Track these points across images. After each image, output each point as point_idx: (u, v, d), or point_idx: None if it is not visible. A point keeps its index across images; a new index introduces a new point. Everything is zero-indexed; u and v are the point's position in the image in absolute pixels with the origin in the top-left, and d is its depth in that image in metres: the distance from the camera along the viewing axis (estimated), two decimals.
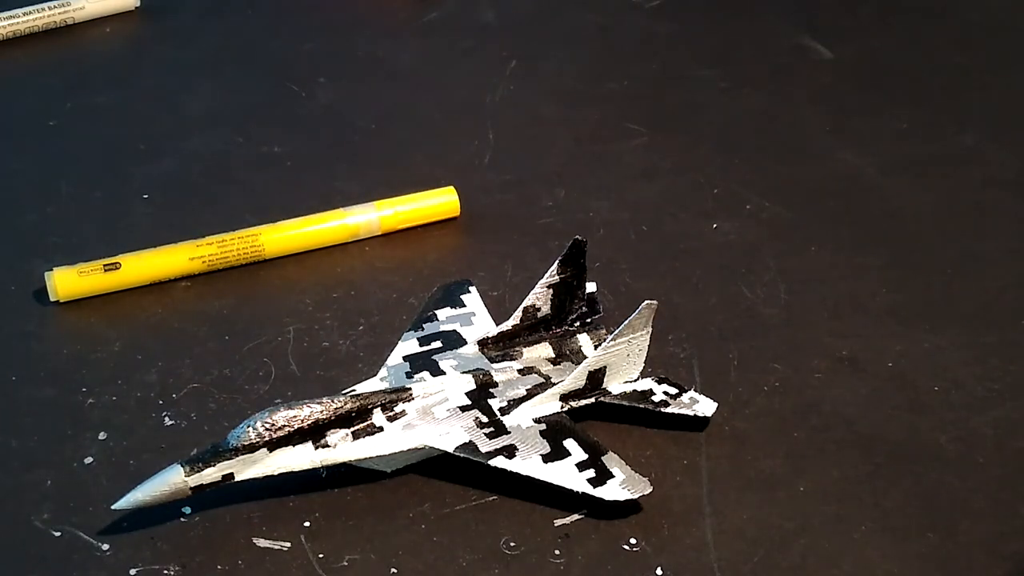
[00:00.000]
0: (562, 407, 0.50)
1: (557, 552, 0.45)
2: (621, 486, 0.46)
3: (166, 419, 0.52)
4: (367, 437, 0.47)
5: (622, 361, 0.51)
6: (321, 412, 0.46)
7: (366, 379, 0.52)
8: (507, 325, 0.53)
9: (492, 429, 0.48)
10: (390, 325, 0.57)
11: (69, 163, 0.72)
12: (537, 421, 0.49)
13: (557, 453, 0.47)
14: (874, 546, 0.45)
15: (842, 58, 0.84)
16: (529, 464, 0.47)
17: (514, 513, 0.47)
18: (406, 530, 0.46)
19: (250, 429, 0.45)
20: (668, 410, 0.50)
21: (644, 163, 0.72)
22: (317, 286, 0.60)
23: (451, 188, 0.66)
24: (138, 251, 0.61)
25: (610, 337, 0.49)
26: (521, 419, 0.49)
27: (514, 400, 0.50)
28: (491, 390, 0.50)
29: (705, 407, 0.51)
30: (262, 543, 0.46)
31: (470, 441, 0.48)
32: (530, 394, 0.50)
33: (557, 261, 0.53)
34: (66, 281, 0.59)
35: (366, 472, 0.48)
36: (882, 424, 0.51)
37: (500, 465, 0.47)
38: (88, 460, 0.49)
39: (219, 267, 0.62)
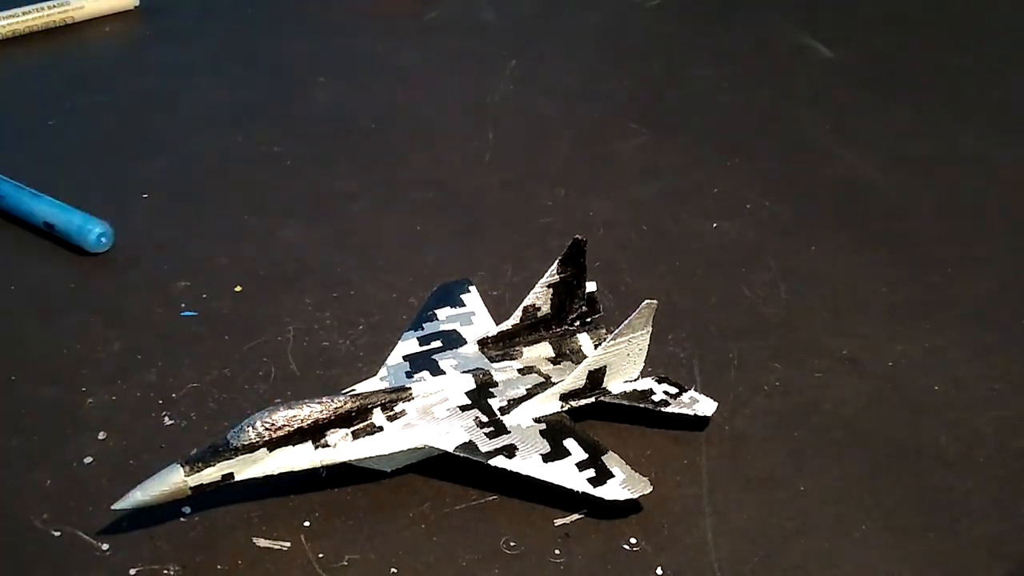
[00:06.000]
0: (562, 407, 0.50)
1: (557, 552, 0.45)
2: (621, 486, 0.46)
3: (166, 419, 0.52)
4: (367, 437, 0.47)
5: (622, 360, 0.50)
6: (321, 412, 0.46)
7: (366, 379, 0.51)
8: (507, 325, 0.53)
9: (492, 429, 0.48)
10: (390, 325, 0.57)
11: (68, 162, 0.72)
12: (537, 421, 0.49)
13: (557, 453, 0.47)
14: (874, 546, 0.45)
15: (842, 58, 0.84)
16: (529, 464, 0.47)
17: (514, 513, 0.47)
18: (406, 530, 0.46)
19: (250, 429, 0.45)
20: (668, 410, 0.50)
21: (644, 163, 0.72)
22: (316, 286, 0.60)
23: None
24: None
25: (610, 337, 0.49)
26: (521, 419, 0.49)
27: (514, 400, 0.50)
28: (491, 390, 0.50)
29: (705, 407, 0.50)
30: (262, 543, 0.46)
31: (470, 441, 0.47)
32: (530, 394, 0.50)
33: (557, 261, 0.53)
34: None
35: (366, 472, 0.48)
36: (882, 424, 0.51)
37: (500, 465, 0.47)
38: (88, 460, 0.49)
39: None
